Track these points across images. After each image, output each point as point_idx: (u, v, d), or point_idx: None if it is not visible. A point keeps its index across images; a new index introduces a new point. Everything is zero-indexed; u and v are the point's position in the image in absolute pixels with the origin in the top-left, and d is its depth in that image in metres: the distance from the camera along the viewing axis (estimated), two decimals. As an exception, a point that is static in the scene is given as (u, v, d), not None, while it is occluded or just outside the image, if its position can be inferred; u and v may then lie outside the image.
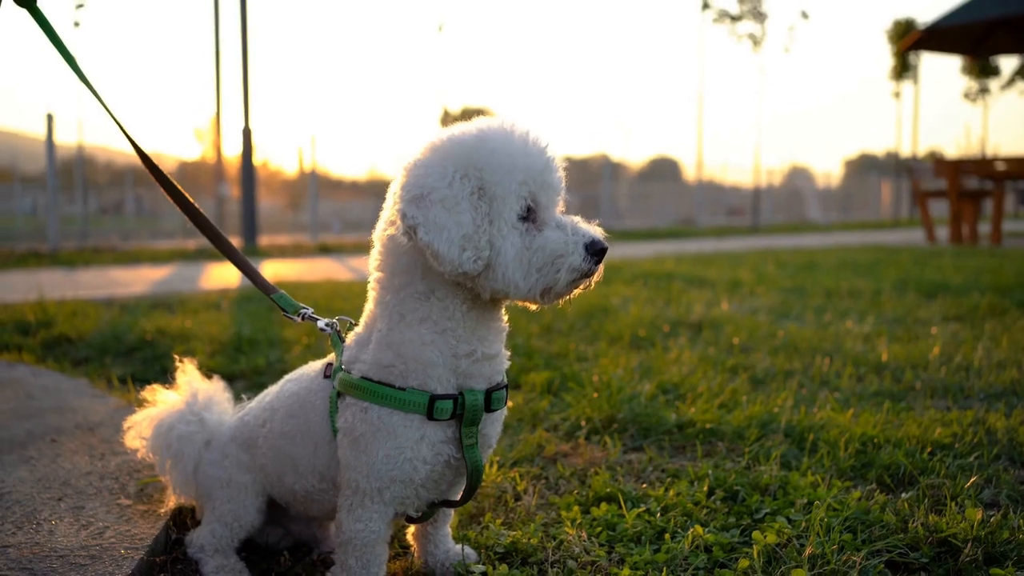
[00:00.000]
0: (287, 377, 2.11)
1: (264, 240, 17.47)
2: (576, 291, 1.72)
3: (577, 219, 1.73)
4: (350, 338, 1.92)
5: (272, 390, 2.13)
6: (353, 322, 2.00)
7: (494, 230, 1.65)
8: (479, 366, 1.79)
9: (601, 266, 1.70)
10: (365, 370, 1.81)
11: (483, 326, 1.79)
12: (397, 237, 1.69)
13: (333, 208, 40.27)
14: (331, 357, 1.98)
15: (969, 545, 2.06)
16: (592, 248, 1.67)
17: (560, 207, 1.75)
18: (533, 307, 1.77)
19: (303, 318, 2.10)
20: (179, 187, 2.21)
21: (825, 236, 21.45)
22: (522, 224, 1.67)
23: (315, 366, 2.03)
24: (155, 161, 2.21)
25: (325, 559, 2.22)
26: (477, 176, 1.65)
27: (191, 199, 2.23)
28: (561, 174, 1.75)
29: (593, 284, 1.72)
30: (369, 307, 1.86)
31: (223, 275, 10.04)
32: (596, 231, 1.71)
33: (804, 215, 38.91)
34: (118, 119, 2.26)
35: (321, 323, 2.03)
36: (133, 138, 2.24)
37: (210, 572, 2.08)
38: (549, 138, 1.74)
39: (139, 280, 9.30)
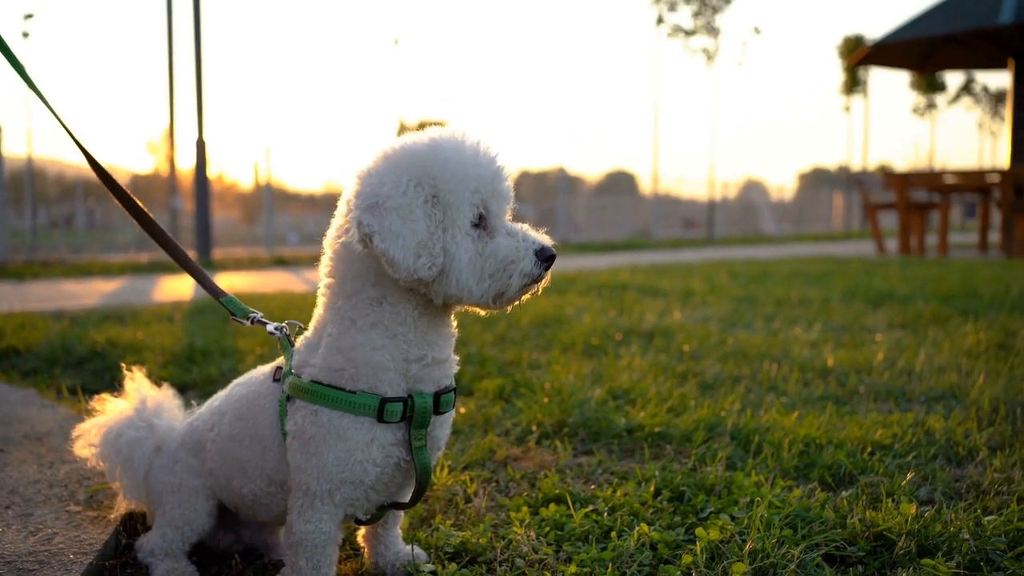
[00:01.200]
0: (236, 381, 2.12)
1: (219, 253, 17.32)
2: (525, 296, 1.76)
3: (525, 227, 1.78)
4: (299, 342, 1.94)
5: (221, 394, 2.14)
6: (302, 326, 2.02)
7: (448, 237, 1.69)
8: (429, 370, 1.83)
9: (549, 272, 1.75)
10: (315, 374, 1.83)
11: (433, 331, 1.82)
12: (351, 244, 1.72)
13: (289, 221, 39.98)
14: (280, 361, 2.00)
15: (903, 538, 2.13)
16: (542, 255, 1.73)
17: (509, 215, 1.80)
18: (483, 312, 1.81)
19: (252, 322, 2.12)
20: (126, 191, 2.22)
21: (778, 248, 21.76)
22: (474, 231, 1.71)
23: (263, 369, 2.05)
24: (102, 164, 2.21)
25: (276, 564, 2.23)
26: (431, 184, 1.68)
27: (138, 202, 2.23)
28: (511, 183, 1.80)
29: (540, 289, 1.77)
30: (319, 312, 1.89)
31: (176, 288, 9.95)
32: (544, 239, 1.77)
33: (758, 228, 39.43)
34: (62, 119, 2.26)
35: (270, 327, 2.05)
36: (77, 138, 2.24)
37: (161, 575, 2.08)
38: (499, 147, 1.79)
39: (90, 293, 9.18)
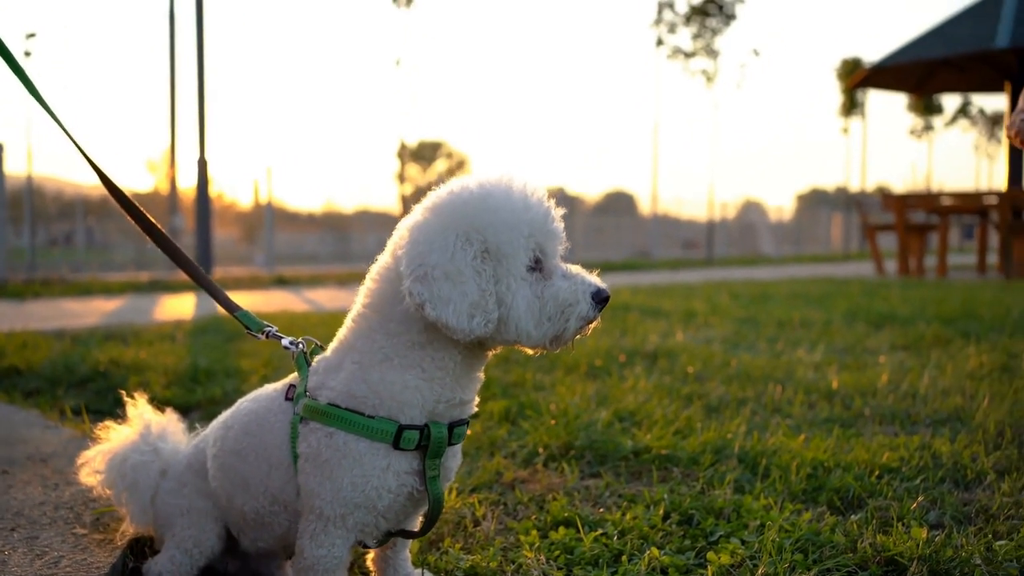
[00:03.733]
0: (244, 398, 2.11)
1: (219, 272, 17.33)
2: (578, 337, 1.78)
3: (579, 268, 1.80)
4: (316, 362, 1.94)
5: (226, 412, 2.14)
6: (319, 344, 2.02)
7: (502, 287, 1.70)
8: (451, 410, 1.84)
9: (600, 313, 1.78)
10: (333, 397, 1.82)
11: (467, 376, 1.84)
12: (407, 306, 1.72)
13: (288, 240, 40.03)
14: (292, 378, 1.99)
15: (915, 563, 2.12)
16: (598, 297, 1.76)
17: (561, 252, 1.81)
18: (533, 352, 1.81)
19: (267, 336, 2.12)
20: (137, 205, 2.22)
21: (778, 269, 21.79)
22: (531, 275, 1.73)
23: (275, 386, 2.04)
24: (113, 180, 2.22)
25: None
26: (480, 239, 1.69)
27: (150, 217, 2.24)
28: (561, 223, 1.81)
29: (590, 330, 1.79)
30: (345, 335, 1.88)
31: (177, 307, 9.95)
32: (598, 281, 1.79)
33: (757, 248, 39.51)
34: (73, 136, 2.26)
35: (285, 341, 2.05)
36: (87, 153, 2.25)
37: (168, 599, 2.07)
38: (543, 188, 1.80)
39: (91, 312, 9.18)
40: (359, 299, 1.87)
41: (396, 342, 1.79)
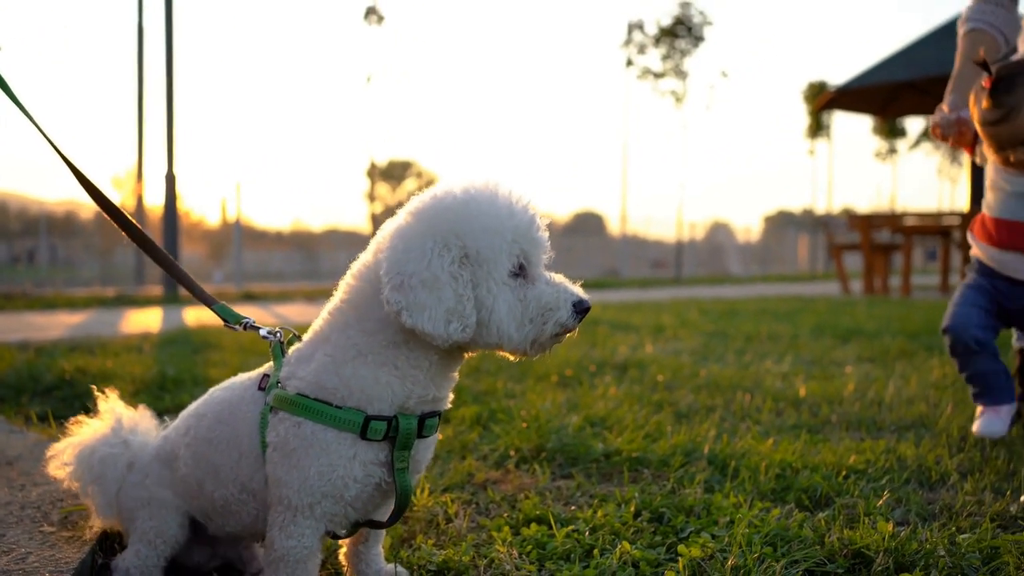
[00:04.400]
0: (217, 387, 2.11)
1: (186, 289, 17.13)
2: (555, 344, 1.80)
3: (562, 277, 1.82)
4: (290, 351, 1.94)
5: (197, 401, 2.13)
6: (297, 333, 2.03)
7: (483, 291, 1.72)
8: (423, 405, 1.85)
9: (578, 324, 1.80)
10: (302, 387, 1.83)
11: (442, 375, 1.86)
12: (387, 312, 1.72)
13: (256, 259, 39.77)
14: (267, 367, 2.00)
15: (881, 555, 2.15)
16: (579, 307, 1.78)
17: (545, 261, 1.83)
18: (514, 358, 1.83)
19: (245, 327, 2.13)
20: (108, 197, 2.21)
21: (745, 288, 21.97)
22: (514, 280, 1.75)
23: (249, 375, 2.04)
24: (79, 169, 2.21)
25: (254, 579, 2.21)
26: (459, 244, 1.71)
27: (125, 212, 2.23)
28: (546, 231, 1.83)
29: (565, 339, 1.81)
30: (320, 327, 1.89)
31: (144, 320, 9.86)
32: (581, 291, 1.81)
33: (725, 268, 39.84)
34: (42, 128, 2.25)
35: (263, 331, 2.06)
36: (57, 146, 2.24)
37: (137, 595, 2.05)
38: (530, 196, 1.82)
39: (55, 325, 9.06)
40: (338, 293, 1.89)
41: (372, 340, 1.80)
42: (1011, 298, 3.38)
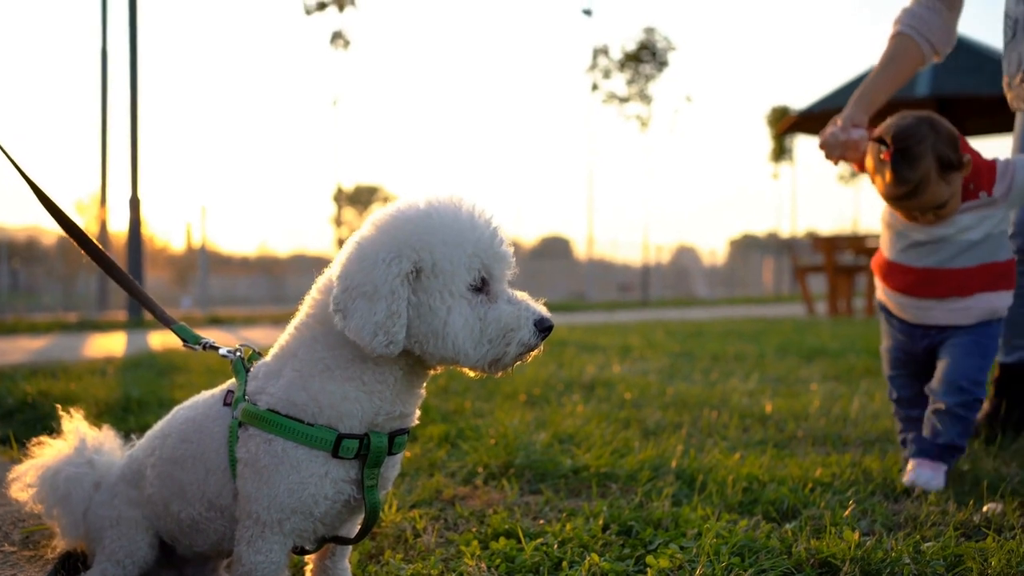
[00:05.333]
0: (180, 406, 2.10)
1: (151, 315, 16.95)
2: (517, 363, 1.80)
3: (525, 295, 1.83)
4: (255, 367, 1.94)
5: (162, 421, 2.12)
6: (257, 350, 2.02)
7: (437, 301, 1.72)
8: (392, 422, 1.85)
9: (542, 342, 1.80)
10: (272, 403, 1.83)
11: (408, 391, 1.86)
12: (331, 312, 1.74)
13: (221, 284, 39.38)
14: (230, 383, 1.98)
15: (848, 564, 2.17)
16: (541, 325, 1.78)
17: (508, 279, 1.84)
18: (474, 375, 1.83)
19: (204, 348, 2.12)
20: (67, 213, 2.20)
21: (711, 310, 22.14)
22: (475, 296, 1.75)
23: (212, 392, 2.03)
24: (43, 188, 2.19)
25: (221, 601, 2.18)
26: (414, 257, 1.72)
27: (83, 229, 2.21)
28: (510, 247, 1.84)
29: (531, 358, 1.81)
30: (286, 342, 1.89)
31: (107, 345, 9.73)
32: (543, 310, 1.81)
33: (691, 292, 40.10)
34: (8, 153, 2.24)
35: (223, 351, 2.05)
36: (10, 155, 2.22)
37: (102, 613, 2.02)
38: (494, 212, 1.83)
39: (16, 349, 8.92)
40: (304, 308, 1.89)
41: (337, 354, 1.80)
42: (913, 339, 3.25)
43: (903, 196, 2.97)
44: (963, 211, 3.03)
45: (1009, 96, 3.56)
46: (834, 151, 3.33)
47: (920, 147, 2.89)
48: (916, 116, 3.00)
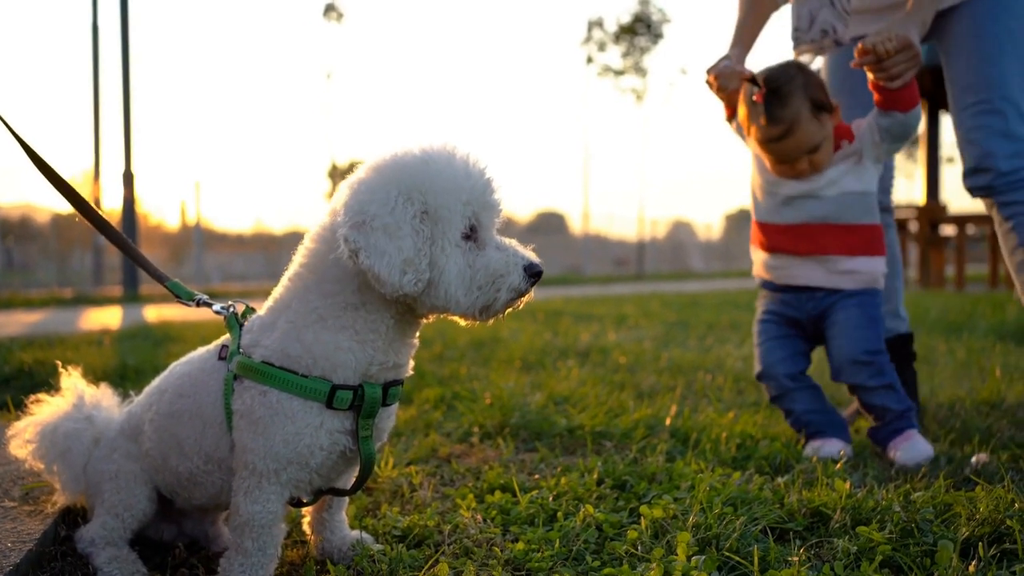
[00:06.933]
0: (176, 362, 2.11)
1: (146, 289, 16.97)
2: (509, 310, 1.80)
3: (514, 242, 1.83)
4: (249, 320, 1.95)
5: (159, 377, 2.13)
6: (251, 307, 2.03)
7: (436, 249, 1.72)
8: (385, 373, 1.86)
9: (533, 288, 1.80)
10: (267, 355, 1.84)
11: (401, 340, 1.86)
12: (339, 254, 1.73)
13: (216, 260, 39.31)
14: (224, 339, 2.00)
15: (839, 513, 2.20)
16: (530, 270, 1.78)
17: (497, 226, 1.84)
18: (465, 323, 1.83)
19: (198, 304, 2.13)
20: (56, 171, 2.19)
21: (706, 282, 22.16)
22: (465, 243, 1.75)
23: (207, 348, 2.05)
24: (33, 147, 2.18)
25: (219, 554, 2.20)
26: (420, 199, 1.71)
27: (73, 187, 2.20)
28: (500, 195, 1.83)
29: (522, 304, 1.81)
30: (280, 295, 1.90)
31: (102, 318, 9.74)
32: (532, 255, 1.81)
33: (687, 266, 40.12)
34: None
35: (216, 306, 2.05)
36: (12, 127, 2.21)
37: (102, 564, 2.04)
38: (488, 160, 1.82)
39: (11, 323, 8.92)
40: (296, 258, 1.89)
41: (330, 303, 1.80)
42: (798, 307, 3.14)
43: (777, 137, 2.93)
44: (832, 164, 3.01)
45: (801, 49, 3.39)
46: (731, 81, 3.11)
47: (791, 86, 2.89)
48: (785, 61, 3.02)
